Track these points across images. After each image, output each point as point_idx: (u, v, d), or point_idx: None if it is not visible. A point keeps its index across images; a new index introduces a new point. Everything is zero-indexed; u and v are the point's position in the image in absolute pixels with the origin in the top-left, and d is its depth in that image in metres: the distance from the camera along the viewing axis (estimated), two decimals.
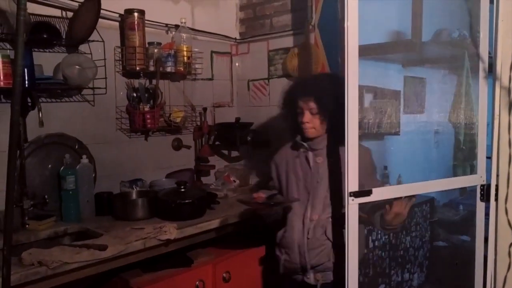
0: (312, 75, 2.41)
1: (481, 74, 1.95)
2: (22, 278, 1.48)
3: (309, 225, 1.81)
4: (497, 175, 1.85)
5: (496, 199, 1.85)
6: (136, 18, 2.29)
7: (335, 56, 2.47)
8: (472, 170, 2.66)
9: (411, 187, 2.29)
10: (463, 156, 3.22)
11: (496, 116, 1.87)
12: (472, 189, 2.94)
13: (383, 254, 3.29)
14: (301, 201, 1.85)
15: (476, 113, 3.31)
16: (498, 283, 1.83)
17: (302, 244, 1.81)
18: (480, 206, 1.92)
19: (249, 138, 2.75)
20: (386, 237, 3.31)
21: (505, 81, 1.82)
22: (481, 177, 1.92)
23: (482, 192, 1.91)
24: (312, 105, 1.80)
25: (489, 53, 1.98)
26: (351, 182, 1.55)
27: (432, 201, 3.82)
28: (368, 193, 1.62)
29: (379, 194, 1.67)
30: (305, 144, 1.87)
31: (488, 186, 1.88)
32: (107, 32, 2.26)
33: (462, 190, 3.77)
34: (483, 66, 1.93)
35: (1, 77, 1.83)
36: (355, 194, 1.56)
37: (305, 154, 1.88)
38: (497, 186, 1.86)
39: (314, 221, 1.81)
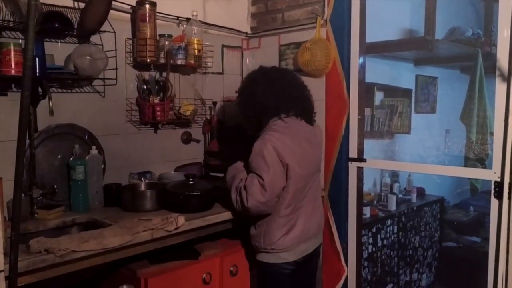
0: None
1: (498, 72, 1.91)
2: (29, 265, 1.48)
3: None
4: (511, 173, 1.82)
5: (509, 197, 1.82)
6: (147, 10, 2.28)
7: (347, 50, 2.45)
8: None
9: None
10: (475, 156, 3.18)
11: (510, 114, 1.84)
12: (484, 191, 2.89)
13: (391, 253, 3.26)
14: None
15: (490, 112, 3.27)
16: (510, 282, 1.80)
17: None
18: (494, 203, 1.89)
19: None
20: (395, 236, 3.28)
21: None
22: (495, 173, 1.89)
23: (496, 189, 1.88)
24: None
25: None
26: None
27: (442, 201, 3.78)
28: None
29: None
30: None
31: (502, 183, 1.85)
32: (118, 24, 2.26)
33: (474, 191, 3.72)
34: (500, 63, 1.89)
35: (13, 66, 1.82)
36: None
37: None
38: (510, 184, 1.83)
39: None
